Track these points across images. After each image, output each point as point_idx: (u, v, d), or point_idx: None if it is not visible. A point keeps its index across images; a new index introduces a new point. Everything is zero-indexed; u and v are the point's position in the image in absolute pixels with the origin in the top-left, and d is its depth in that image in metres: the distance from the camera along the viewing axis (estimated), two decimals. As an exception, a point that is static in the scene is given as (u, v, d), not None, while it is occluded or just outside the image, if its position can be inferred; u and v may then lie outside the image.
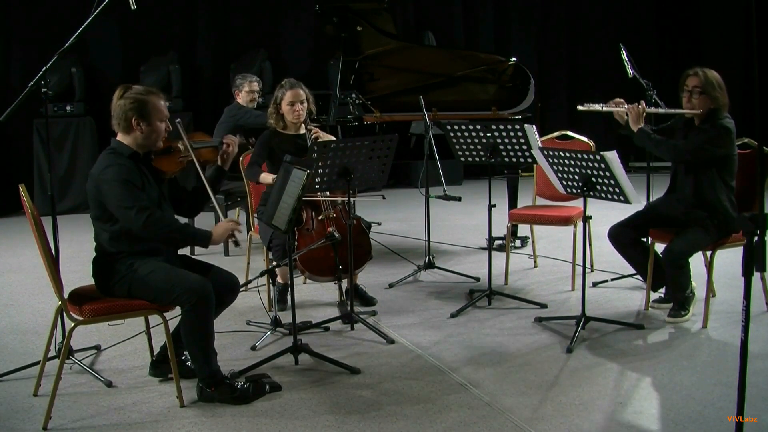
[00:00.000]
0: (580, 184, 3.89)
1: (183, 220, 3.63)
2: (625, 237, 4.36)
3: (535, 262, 5.57)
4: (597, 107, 4.19)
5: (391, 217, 7.54)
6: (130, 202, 3.16)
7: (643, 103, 4.22)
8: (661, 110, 4.29)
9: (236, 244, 3.55)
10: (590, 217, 4.04)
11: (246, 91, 6.51)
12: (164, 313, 3.30)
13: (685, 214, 4.17)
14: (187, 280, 3.21)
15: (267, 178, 4.49)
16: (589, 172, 3.80)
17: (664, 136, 4.23)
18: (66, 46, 3.69)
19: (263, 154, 4.61)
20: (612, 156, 3.65)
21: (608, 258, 4.94)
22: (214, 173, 3.64)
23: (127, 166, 3.23)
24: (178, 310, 3.26)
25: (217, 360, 3.32)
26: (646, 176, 5.20)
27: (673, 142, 4.14)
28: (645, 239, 4.46)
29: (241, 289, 3.56)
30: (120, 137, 3.34)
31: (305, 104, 4.59)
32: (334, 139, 4.76)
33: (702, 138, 4.03)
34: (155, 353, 3.65)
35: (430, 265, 5.37)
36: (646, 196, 5.19)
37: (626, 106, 4.21)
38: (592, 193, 3.89)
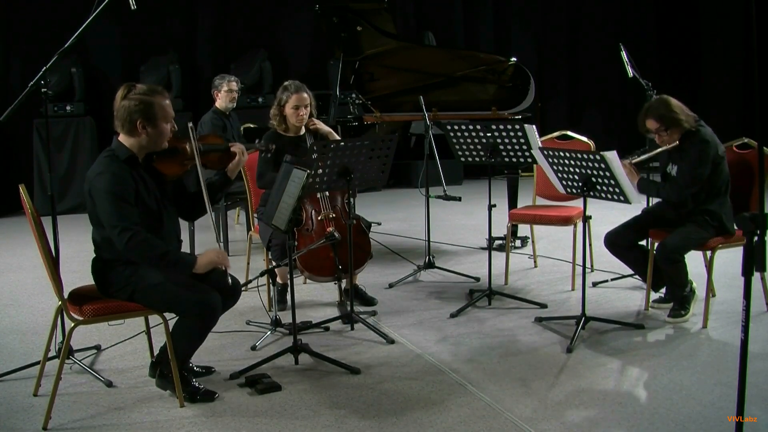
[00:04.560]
0: (580, 184, 3.89)
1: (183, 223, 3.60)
2: (623, 240, 4.36)
3: (535, 262, 5.57)
4: None
5: (391, 217, 7.54)
6: (116, 220, 3.07)
7: (627, 159, 4.20)
8: (643, 157, 4.28)
9: (224, 275, 3.35)
10: (590, 217, 4.04)
11: (225, 91, 6.45)
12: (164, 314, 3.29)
13: (678, 215, 4.18)
14: (196, 294, 3.17)
15: None
16: (589, 172, 3.80)
17: (664, 177, 4.27)
18: (66, 46, 3.69)
19: (271, 160, 4.52)
20: (612, 156, 3.65)
21: (608, 258, 4.93)
22: (219, 179, 3.56)
23: (119, 175, 3.12)
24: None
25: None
26: (645, 176, 5.17)
27: (669, 183, 4.17)
28: (642, 242, 4.46)
29: (241, 289, 3.56)
30: (122, 138, 3.24)
31: (309, 108, 4.59)
32: (330, 130, 4.77)
33: (687, 165, 4.04)
34: (155, 353, 3.65)
35: (430, 265, 5.37)
36: (646, 198, 5.18)
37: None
38: (592, 193, 3.90)
